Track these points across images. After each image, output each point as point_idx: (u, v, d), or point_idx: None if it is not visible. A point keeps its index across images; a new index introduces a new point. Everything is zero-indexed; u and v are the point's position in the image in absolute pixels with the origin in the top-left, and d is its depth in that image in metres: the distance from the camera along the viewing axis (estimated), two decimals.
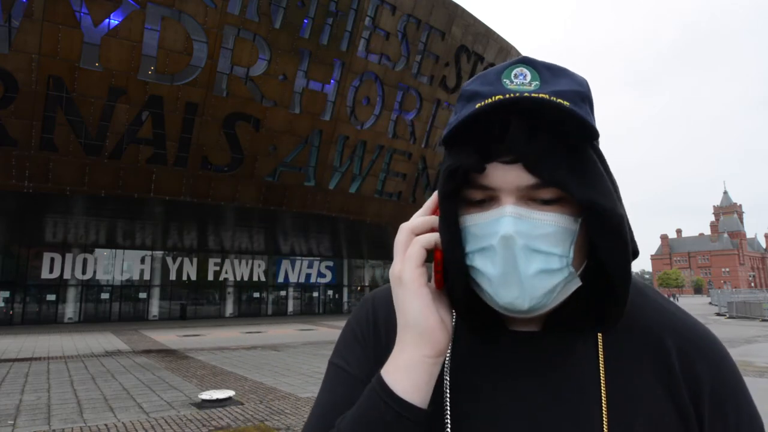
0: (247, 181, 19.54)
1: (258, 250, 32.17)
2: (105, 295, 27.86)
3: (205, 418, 6.59)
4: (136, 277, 28.77)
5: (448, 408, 0.60)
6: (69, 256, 26.53)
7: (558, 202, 0.55)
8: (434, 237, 0.59)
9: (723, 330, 20.58)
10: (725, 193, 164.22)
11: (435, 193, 0.62)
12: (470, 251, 0.57)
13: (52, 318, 25.94)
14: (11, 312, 25.08)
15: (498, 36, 25.70)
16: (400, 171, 24.06)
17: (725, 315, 31.17)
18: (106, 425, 6.24)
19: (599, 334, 0.62)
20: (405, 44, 21.91)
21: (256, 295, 32.85)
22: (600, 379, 0.59)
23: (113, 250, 28.33)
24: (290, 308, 33.67)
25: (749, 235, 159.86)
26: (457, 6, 23.08)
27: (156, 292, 29.21)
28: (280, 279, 33.27)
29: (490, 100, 0.53)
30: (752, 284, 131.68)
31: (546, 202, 0.55)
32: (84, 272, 26.85)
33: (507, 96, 0.53)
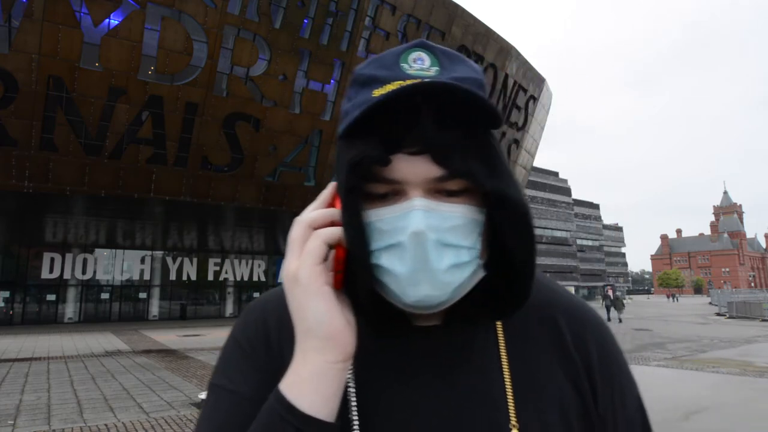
0: (247, 181, 19.54)
1: (258, 250, 32.18)
2: (105, 295, 27.86)
3: None
4: (136, 277, 28.77)
5: (356, 414, 0.56)
6: (69, 256, 26.53)
7: (464, 193, 0.53)
8: (338, 232, 0.53)
9: (723, 330, 20.55)
10: (725, 193, 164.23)
11: (330, 184, 0.58)
12: (376, 248, 0.52)
13: (52, 318, 25.94)
14: (11, 312, 25.08)
15: (498, 36, 25.69)
16: None
17: (725, 315, 31.17)
18: (106, 425, 6.24)
19: (498, 323, 0.62)
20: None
21: (256, 295, 32.82)
22: (502, 365, 0.60)
23: (113, 250, 28.32)
24: None
25: (749, 235, 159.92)
26: (457, 6, 23.08)
27: (156, 292, 29.22)
28: (280, 279, 33.12)
29: (390, 86, 0.50)
30: (752, 284, 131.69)
31: (452, 194, 0.53)
32: (84, 272, 26.85)
33: (417, 81, 0.50)
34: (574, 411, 0.60)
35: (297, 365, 0.53)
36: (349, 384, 0.57)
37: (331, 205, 0.57)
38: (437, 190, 0.52)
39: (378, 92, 0.51)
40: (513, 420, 0.56)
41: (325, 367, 0.52)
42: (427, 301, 0.52)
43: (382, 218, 0.52)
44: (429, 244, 0.50)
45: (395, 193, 0.53)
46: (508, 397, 0.58)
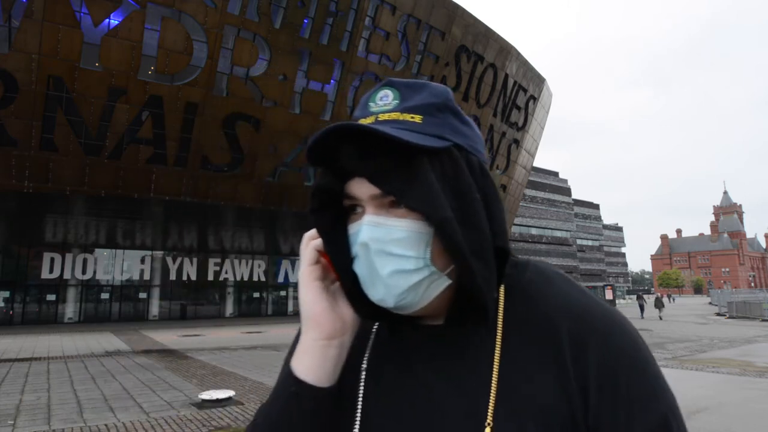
0: (247, 181, 19.54)
1: (258, 250, 32.17)
2: (105, 295, 27.85)
3: (205, 418, 6.59)
4: (136, 277, 28.76)
5: (361, 392, 0.67)
6: (69, 256, 26.53)
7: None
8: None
9: (723, 330, 20.56)
10: (725, 193, 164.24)
11: None
12: (352, 257, 0.64)
13: (52, 318, 25.94)
14: (11, 312, 25.08)
15: (498, 36, 25.70)
16: None
17: (725, 315, 31.19)
18: (106, 425, 6.24)
19: (500, 326, 0.64)
20: (405, 44, 21.91)
21: (256, 295, 32.84)
22: (493, 369, 0.62)
23: (113, 250, 28.33)
24: (290, 308, 33.65)
25: (749, 235, 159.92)
26: (457, 6, 23.09)
27: (156, 292, 29.21)
28: (280, 279, 33.24)
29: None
30: (752, 284, 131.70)
31: (394, 204, 0.62)
32: (84, 272, 26.85)
33: (362, 120, 0.63)
34: (560, 420, 0.59)
35: (299, 341, 0.67)
36: (362, 365, 0.70)
37: None
38: (382, 205, 0.62)
39: (312, 138, 0.62)
40: (489, 419, 0.59)
41: (310, 343, 0.65)
42: (384, 301, 0.61)
43: (351, 231, 0.65)
44: (372, 254, 0.60)
45: (362, 209, 0.64)
46: (490, 401, 0.59)
